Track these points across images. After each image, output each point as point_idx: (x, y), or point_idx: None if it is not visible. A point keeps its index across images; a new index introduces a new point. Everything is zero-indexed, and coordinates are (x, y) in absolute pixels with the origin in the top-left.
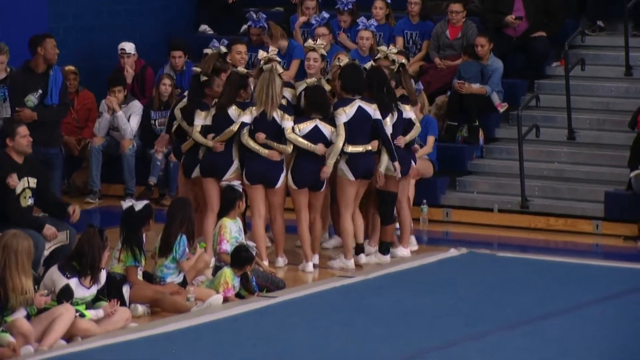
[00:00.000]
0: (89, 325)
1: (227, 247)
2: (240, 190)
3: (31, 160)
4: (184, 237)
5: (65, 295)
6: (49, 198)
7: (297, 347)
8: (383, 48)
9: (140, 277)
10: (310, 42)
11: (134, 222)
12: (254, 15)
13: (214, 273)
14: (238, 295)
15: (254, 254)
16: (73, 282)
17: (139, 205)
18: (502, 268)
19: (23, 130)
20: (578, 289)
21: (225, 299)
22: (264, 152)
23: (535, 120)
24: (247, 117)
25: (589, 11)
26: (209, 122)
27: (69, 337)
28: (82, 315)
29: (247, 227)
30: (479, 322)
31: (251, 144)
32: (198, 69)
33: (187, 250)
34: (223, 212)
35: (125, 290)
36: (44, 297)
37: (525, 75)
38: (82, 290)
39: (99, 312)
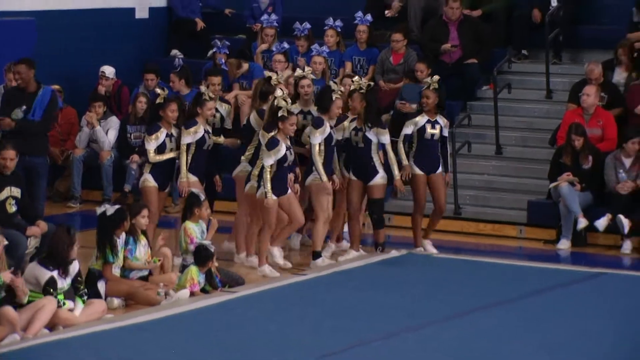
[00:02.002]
0: (69, 315)
1: (205, 242)
2: (202, 197)
3: (16, 172)
4: (131, 238)
5: (51, 285)
6: (27, 207)
7: (256, 338)
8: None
9: (117, 273)
10: (299, 71)
11: (106, 225)
12: (219, 43)
13: (181, 271)
14: (203, 290)
15: (212, 251)
16: (55, 274)
17: (111, 210)
18: (437, 267)
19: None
20: (504, 286)
21: (192, 294)
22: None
23: (467, 137)
24: (188, 138)
25: (514, 41)
26: (161, 141)
27: (51, 326)
28: (63, 304)
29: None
30: (417, 316)
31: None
32: (202, 88)
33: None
34: (185, 217)
35: (101, 285)
36: (10, 275)
37: (459, 97)
38: (61, 282)
39: (71, 304)
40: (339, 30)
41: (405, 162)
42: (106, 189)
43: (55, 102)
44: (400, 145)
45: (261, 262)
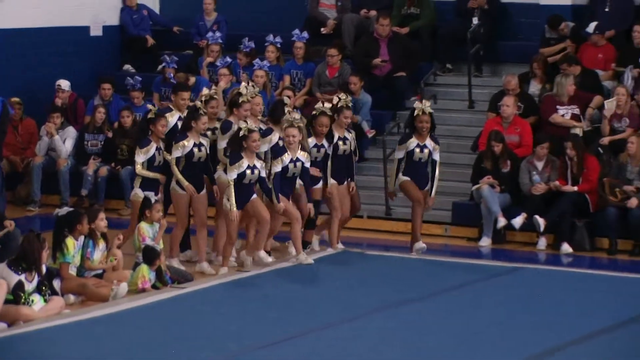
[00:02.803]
0: (29, 311)
1: (149, 242)
2: (152, 200)
3: None
4: (90, 241)
5: (20, 289)
6: None
7: (204, 330)
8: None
9: (74, 272)
10: (243, 85)
11: (58, 226)
12: (167, 58)
13: (134, 268)
14: (154, 287)
15: (159, 250)
16: (23, 278)
17: (63, 212)
18: (370, 264)
19: None
20: (431, 280)
21: (143, 290)
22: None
23: (396, 144)
24: (177, 152)
25: (439, 56)
26: (150, 155)
27: (12, 321)
28: (32, 301)
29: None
30: (352, 308)
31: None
32: (198, 103)
33: (91, 250)
34: (139, 219)
35: (56, 283)
36: None
37: (389, 108)
38: (27, 284)
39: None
40: (279, 46)
41: (391, 187)
42: (63, 193)
43: (6, 113)
44: (394, 169)
45: (224, 263)
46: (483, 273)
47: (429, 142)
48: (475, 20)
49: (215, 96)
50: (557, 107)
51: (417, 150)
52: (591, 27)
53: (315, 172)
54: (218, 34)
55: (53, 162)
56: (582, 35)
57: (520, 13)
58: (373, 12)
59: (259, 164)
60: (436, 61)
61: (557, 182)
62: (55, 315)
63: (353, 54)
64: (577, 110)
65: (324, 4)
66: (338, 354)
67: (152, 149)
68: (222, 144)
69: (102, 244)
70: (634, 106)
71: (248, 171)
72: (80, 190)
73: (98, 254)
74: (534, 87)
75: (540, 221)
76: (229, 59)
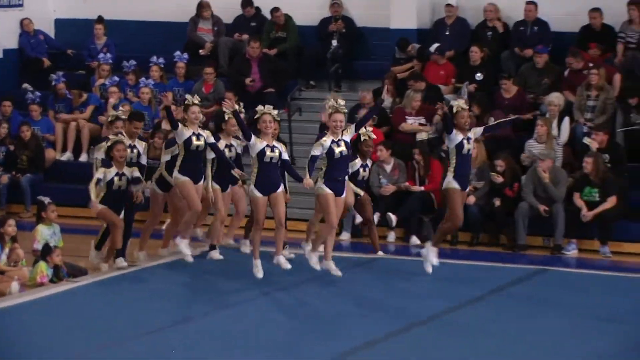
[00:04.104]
0: None
1: (37, 245)
2: (46, 202)
3: None
4: None
5: None
6: None
7: (95, 318)
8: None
9: None
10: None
11: None
12: (54, 76)
13: (34, 265)
14: (52, 281)
15: (52, 247)
16: None
17: None
18: (246, 259)
19: None
20: (298, 271)
21: (41, 284)
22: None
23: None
24: (99, 175)
25: (304, 74)
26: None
27: None
28: None
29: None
30: (229, 296)
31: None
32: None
33: None
34: (38, 221)
35: None
36: None
37: None
38: None
39: None
40: (162, 66)
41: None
42: None
43: None
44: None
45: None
46: (343, 264)
47: (277, 143)
48: (334, 43)
49: (122, 116)
50: (406, 117)
51: (465, 142)
52: (433, 47)
53: (236, 173)
54: (108, 55)
55: None
56: (426, 55)
57: (374, 36)
58: (245, 36)
59: (278, 145)
60: (301, 78)
61: (407, 184)
62: None
63: (228, 72)
64: (423, 120)
65: (202, 29)
66: (221, 335)
67: (111, 172)
68: (165, 157)
69: (7, 248)
70: (470, 116)
71: (268, 150)
72: None
73: (4, 256)
74: (386, 101)
75: (393, 217)
76: (117, 78)
